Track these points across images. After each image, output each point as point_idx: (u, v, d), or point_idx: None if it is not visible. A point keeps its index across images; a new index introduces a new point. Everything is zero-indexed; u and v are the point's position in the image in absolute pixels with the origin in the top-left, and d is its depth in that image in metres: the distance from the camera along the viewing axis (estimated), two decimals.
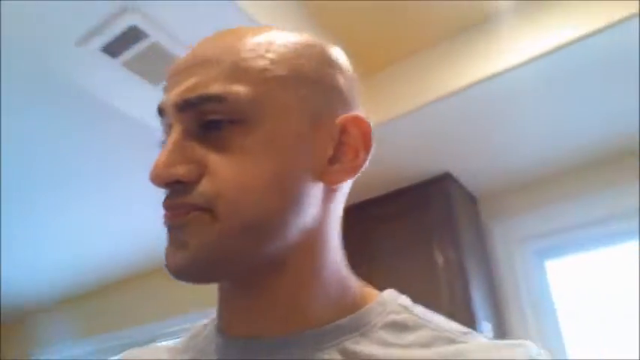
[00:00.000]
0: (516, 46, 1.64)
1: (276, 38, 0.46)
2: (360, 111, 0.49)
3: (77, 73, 1.52)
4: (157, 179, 0.42)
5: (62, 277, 3.17)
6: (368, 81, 1.96)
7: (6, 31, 1.35)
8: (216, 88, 0.42)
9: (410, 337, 0.46)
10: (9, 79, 1.56)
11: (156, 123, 0.49)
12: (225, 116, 0.42)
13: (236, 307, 0.48)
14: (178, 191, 0.43)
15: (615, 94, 1.75)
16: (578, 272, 2.13)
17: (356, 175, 0.48)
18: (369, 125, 0.47)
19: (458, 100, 1.75)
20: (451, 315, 1.99)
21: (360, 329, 0.46)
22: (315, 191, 0.46)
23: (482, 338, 0.47)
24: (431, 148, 2.02)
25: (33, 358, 3.54)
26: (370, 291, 0.51)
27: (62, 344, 3.45)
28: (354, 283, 0.51)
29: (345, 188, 0.50)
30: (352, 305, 0.48)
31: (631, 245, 2.03)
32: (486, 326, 1.91)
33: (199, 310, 2.63)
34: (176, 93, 0.44)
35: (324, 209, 0.47)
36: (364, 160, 0.47)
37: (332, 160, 0.46)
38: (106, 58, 1.45)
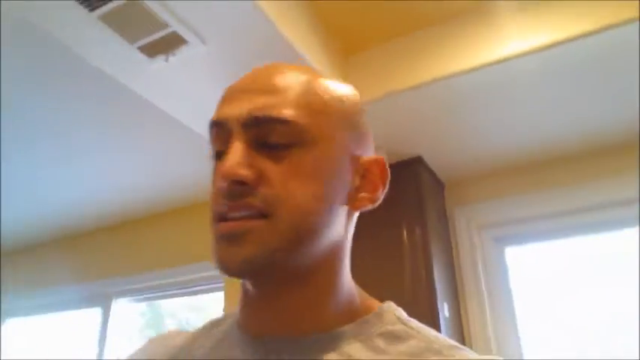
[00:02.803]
0: (503, 39, 1.65)
1: (329, 83, 0.57)
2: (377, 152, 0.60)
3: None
4: (228, 175, 0.48)
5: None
6: (349, 60, 1.95)
7: None
8: (283, 113, 0.50)
9: (401, 347, 0.52)
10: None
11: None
12: (285, 138, 0.50)
13: (259, 307, 0.55)
14: (238, 193, 0.49)
15: (585, 96, 1.79)
16: (537, 261, 2.20)
17: (374, 205, 0.57)
18: (387, 167, 0.58)
19: (438, 87, 1.75)
20: (414, 294, 2.01)
21: (359, 336, 0.53)
22: (342, 212, 0.55)
23: (468, 353, 0.52)
24: (405, 132, 2.04)
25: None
26: (372, 302, 0.59)
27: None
28: (358, 294, 0.58)
29: (356, 216, 0.59)
30: (355, 314, 0.55)
31: (588, 239, 2.11)
32: (445, 306, 1.96)
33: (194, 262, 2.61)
34: (242, 109, 0.51)
35: (345, 229, 0.57)
36: (382, 193, 0.57)
37: (358, 190, 0.56)
38: (81, 10, 1.40)
